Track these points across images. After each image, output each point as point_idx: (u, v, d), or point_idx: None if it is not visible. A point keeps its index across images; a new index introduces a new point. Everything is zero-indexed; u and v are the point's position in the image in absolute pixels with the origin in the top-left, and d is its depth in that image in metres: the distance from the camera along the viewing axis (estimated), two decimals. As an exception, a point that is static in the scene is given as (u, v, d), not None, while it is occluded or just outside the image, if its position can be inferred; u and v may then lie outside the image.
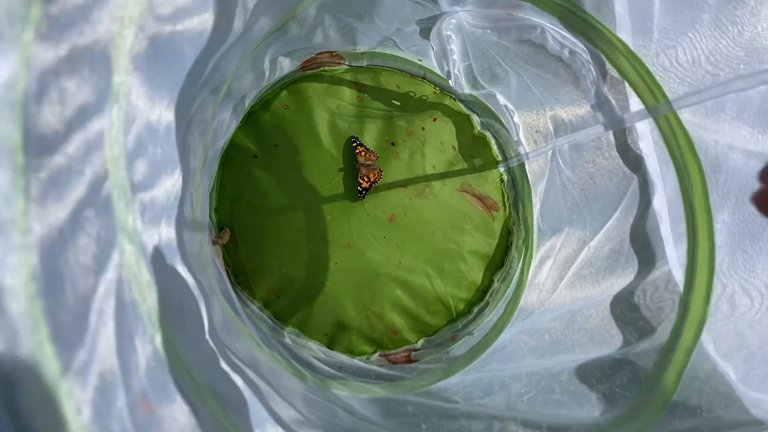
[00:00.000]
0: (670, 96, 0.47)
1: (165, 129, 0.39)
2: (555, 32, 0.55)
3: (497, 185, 0.81)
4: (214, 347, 0.44)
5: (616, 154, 0.56)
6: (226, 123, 0.59)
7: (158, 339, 0.34)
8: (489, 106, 0.76)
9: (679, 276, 0.49)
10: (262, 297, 0.73)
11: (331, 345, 0.75)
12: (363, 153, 0.74)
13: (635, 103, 0.52)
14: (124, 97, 0.29)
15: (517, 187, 0.80)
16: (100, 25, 0.27)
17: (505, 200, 0.80)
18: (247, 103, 0.66)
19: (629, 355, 0.51)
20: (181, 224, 0.44)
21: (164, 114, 0.38)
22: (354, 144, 0.75)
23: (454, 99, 0.80)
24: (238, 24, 0.43)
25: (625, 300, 0.54)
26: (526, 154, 0.74)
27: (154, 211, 0.37)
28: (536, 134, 0.71)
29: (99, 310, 0.28)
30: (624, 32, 0.50)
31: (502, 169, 0.80)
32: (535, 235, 0.76)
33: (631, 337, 0.52)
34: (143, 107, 0.34)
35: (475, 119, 0.80)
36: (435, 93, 0.80)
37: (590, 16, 0.49)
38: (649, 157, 0.52)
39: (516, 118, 0.73)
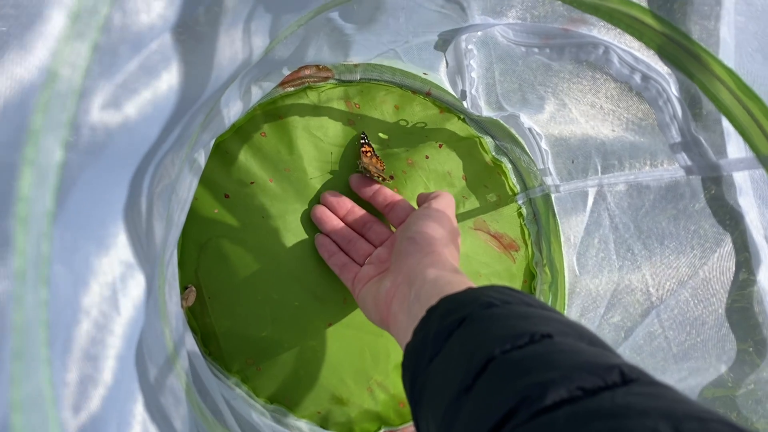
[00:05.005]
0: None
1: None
2: (624, 53, 0.42)
3: (515, 220, 0.68)
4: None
5: (703, 206, 0.44)
6: (188, 182, 0.44)
7: None
8: (508, 127, 0.63)
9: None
10: (239, 368, 0.59)
11: (324, 424, 0.61)
12: (369, 154, 0.60)
13: (735, 149, 0.40)
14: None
15: (540, 222, 0.68)
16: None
17: (526, 237, 0.68)
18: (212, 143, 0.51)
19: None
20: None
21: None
22: (362, 141, 0.61)
23: (463, 119, 0.67)
24: (220, 71, 0.29)
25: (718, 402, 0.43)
26: (557, 186, 0.61)
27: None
28: (572, 165, 0.58)
29: None
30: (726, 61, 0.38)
31: (521, 201, 0.68)
32: (567, 280, 0.64)
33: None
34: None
35: (489, 142, 0.67)
36: (441, 113, 0.66)
37: (697, 45, 0.36)
38: (753, 218, 0.41)
39: (544, 144, 0.60)
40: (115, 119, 0.20)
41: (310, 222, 0.60)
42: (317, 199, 0.61)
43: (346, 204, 0.59)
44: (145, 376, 0.33)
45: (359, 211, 0.59)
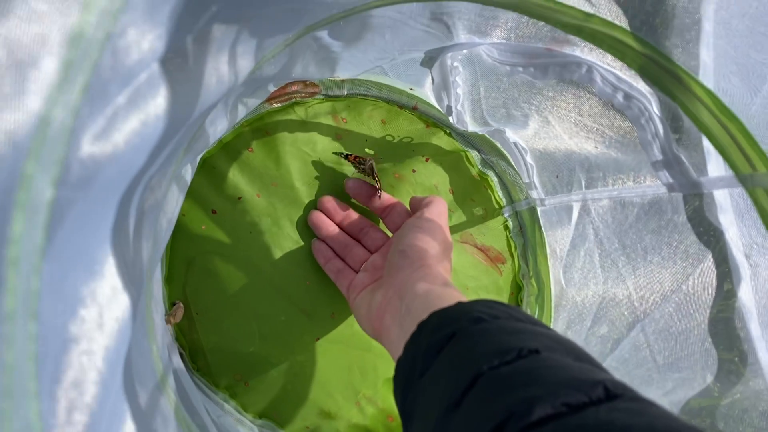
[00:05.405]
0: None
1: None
2: (607, 72, 0.43)
3: (501, 233, 0.69)
4: None
5: (685, 222, 0.44)
6: (174, 199, 0.44)
7: None
8: (494, 142, 0.64)
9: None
10: (227, 384, 0.59)
11: (313, 438, 0.62)
12: (353, 158, 0.61)
13: (716, 168, 0.41)
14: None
15: (525, 235, 0.68)
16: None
17: (512, 250, 0.68)
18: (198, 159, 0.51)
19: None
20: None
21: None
22: (343, 156, 0.62)
23: (449, 134, 0.67)
24: (207, 95, 0.29)
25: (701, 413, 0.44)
26: (542, 199, 0.62)
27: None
28: (556, 180, 0.59)
29: None
30: (706, 82, 0.38)
31: (507, 214, 0.68)
32: (553, 292, 0.64)
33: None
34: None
35: (475, 156, 0.68)
36: (427, 127, 0.66)
37: (677, 66, 0.37)
38: (733, 235, 0.41)
39: (529, 158, 0.61)
40: (104, 150, 0.20)
41: (297, 236, 0.61)
42: (305, 213, 0.61)
43: (343, 209, 0.60)
44: (133, 397, 0.33)
45: (355, 216, 0.60)
